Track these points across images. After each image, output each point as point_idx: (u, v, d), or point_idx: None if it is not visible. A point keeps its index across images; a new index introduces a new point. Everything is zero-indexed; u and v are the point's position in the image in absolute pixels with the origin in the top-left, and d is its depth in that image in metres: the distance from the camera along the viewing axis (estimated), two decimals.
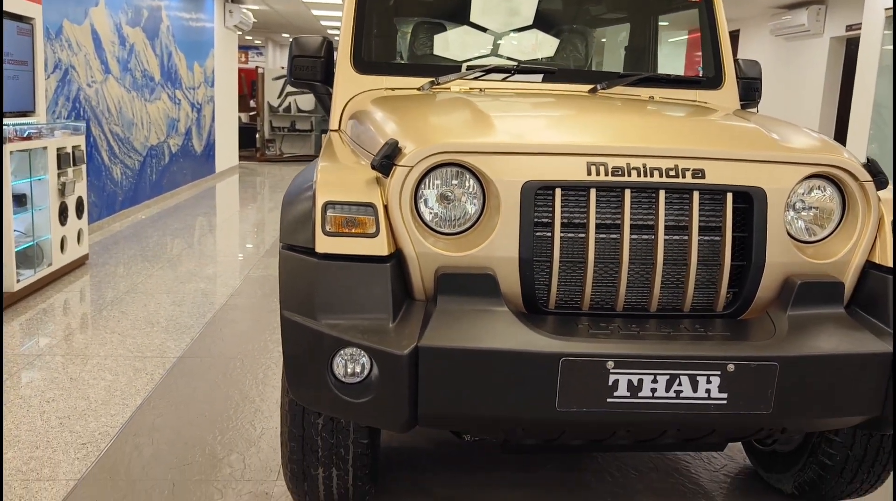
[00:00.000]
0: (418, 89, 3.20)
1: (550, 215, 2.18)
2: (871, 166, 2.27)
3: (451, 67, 3.42)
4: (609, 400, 2.01)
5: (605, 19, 4.29)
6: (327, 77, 3.48)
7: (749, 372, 2.03)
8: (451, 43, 4.06)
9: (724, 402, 2.04)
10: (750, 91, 3.72)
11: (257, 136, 17.39)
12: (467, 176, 2.19)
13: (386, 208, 2.15)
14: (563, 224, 2.19)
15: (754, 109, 3.73)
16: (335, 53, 3.46)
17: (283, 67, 17.93)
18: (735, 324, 2.22)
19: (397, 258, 2.16)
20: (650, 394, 2.02)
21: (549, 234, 2.18)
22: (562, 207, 2.18)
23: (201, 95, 11.96)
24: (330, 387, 2.06)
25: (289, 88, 16.81)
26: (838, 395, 2.08)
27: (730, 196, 2.20)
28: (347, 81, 3.31)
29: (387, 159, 2.14)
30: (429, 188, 2.19)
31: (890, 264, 2.24)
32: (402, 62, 3.69)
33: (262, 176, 13.96)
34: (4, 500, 2.65)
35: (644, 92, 3.30)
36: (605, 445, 2.35)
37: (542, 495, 2.82)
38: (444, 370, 1.99)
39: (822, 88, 10.00)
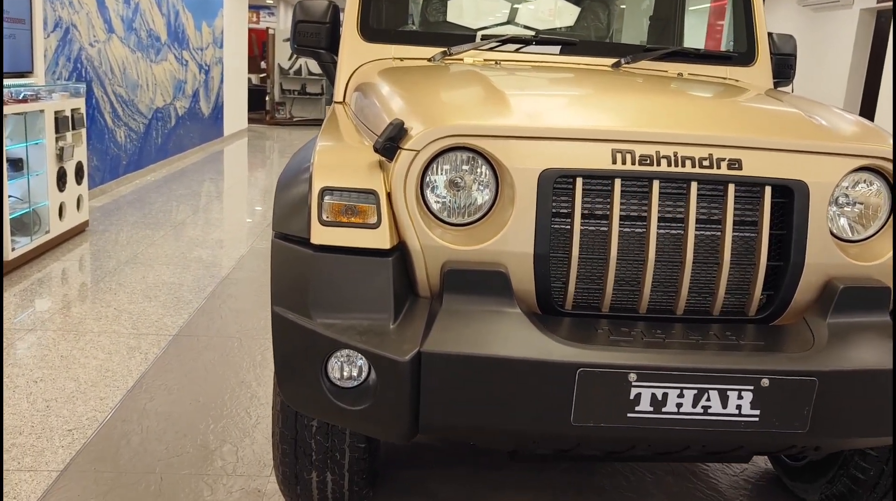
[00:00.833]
0: (429, 60, 2.98)
1: (570, 206, 1.98)
2: None
3: (464, 36, 3.19)
4: (630, 415, 1.83)
5: None
6: (333, 44, 3.27)
7: (785, 388, 1.84)
8: (466, 9, 3.83)
9: (756, 420, 1.86)
10: (784, 69, 3.48)
11: (267, 98, 17.12)
12: (479, 162, 1.98)
13: (389, 195, 1.95)
14: (584, 217, 1.99)
15: (787, 89, 3.49)
16: (342, 19, 3.24)
17: None
18: (769, 331, 2.03)
19: (400, 252, 1.97)
20: (675, 410, 1.84)
21: (568, 227, 1.98)
22: (583, 198, 1.98)
23: (209, 56, 11.71)
24: (324, 391, 1.88)
25: None
26: (882, 413, 1.89)
27: (768, 190, 1.99)
28: (353, 50, 3.09)
29: (391, 142, 1.94)
30: (437, 174, 1.99)
31: None
32: (413, 30, 3.46)
33: (271, 140, 13.74)
34: None
35: (671, 67, 3.08)
36: (621, 457, 2.18)
37: (552, 498, 2.65)
38: (448, 378, 1.80)
39: (848, 62, 9.66)
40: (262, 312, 4.40)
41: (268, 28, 18.48)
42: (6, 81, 5.17)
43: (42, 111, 5.23)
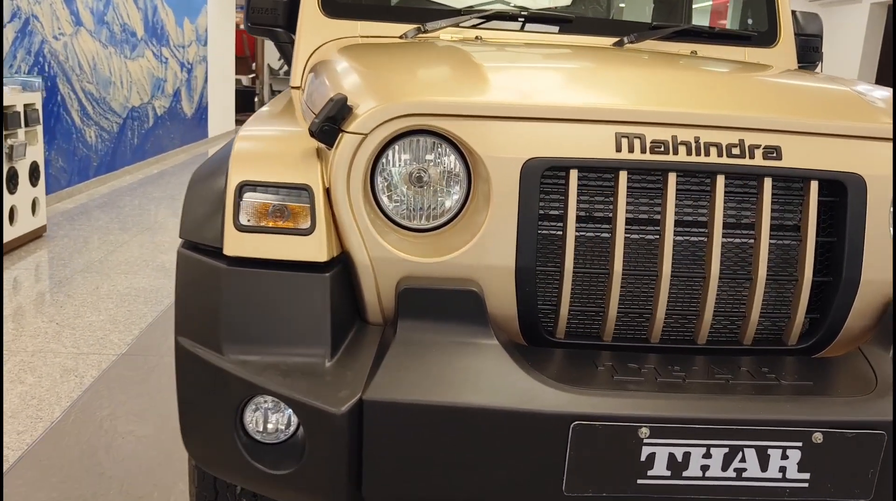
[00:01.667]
0: (400, 38, 2.54)
1: (562, 206, 1.54)
2: None
3: (442, 11, 2.75)
4: (641, 482, 1.39)
5: None
6: (291, 23, 2.82)
7: (844, 444, 1.40)
8: None
9: (806, 486, 1.42)
10: (808, 51, 3.04)
11: (256, 100, 16.68)
12: (446, 149, 1.54)
13: (328, 192, 1.51)
14: (580, 219, 1.55)
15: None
16: None
17: None
18: (815, 366, 1.59)
19: (343, 266, 1.53)
20: (700, 474, 1.40)
21: (560, 233, 1.54)
22: (579, 196, 1.54)
23: (192, 54, 11.25)
24: (238, 448, 1.44)
25: None
26: None
27: (814, 185, 1.56)
28: (313, 27, 2.65)
29: (330, 123, 1.50)
30: (391, 166, 1.55)
31: None
32: (382, 4, 3.02)
33: None
34: None
35: (681, 48, 2.64)
36: None
37: None
38: (399, 434, 1.36)
39: (859, 58, 9.25)
40: None
41: None
42: None
43: None
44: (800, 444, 1.39)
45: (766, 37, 2.83)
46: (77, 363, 3.41)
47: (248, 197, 1.50)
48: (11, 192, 5.09)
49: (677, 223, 1.56)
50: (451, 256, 1.52)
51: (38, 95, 5.43)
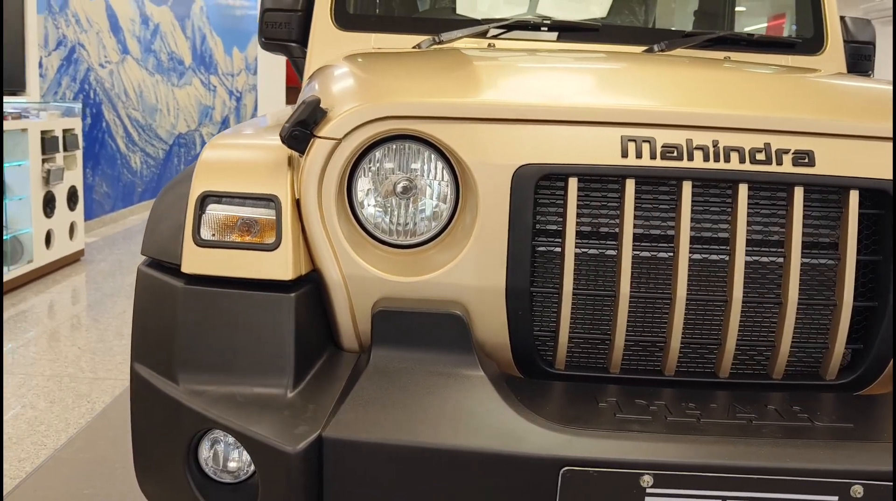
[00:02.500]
0: (414, 48, 2.40)
1: (561, 220, 1.37)
2: None
3: (458, 21, 2.60)
4: None
5: None
6: (305, 36, 2.71)
7: (888, 499, 1.18)
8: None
9: None
10: (859, 60, 2.81)
11: None
12: (431, 156, 1.39)
13: (299, 203, 1.37)
14: (581, 234, 1.37)
15: None
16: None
17: None
18: (857, 406, 1.37)
19: (313, 285, 1.38)
20: None
21: (558, 249, 1.37)
22: (580, 208, 1.36)
23: (241, 82, 11.38)
24: (189, 487, 1.29)
25: None
26: None
27: (854, 195, 1.35)
28: (326, 40, 2.53)
29: (301, 127, 1.35)
30: (370, 174, 1.39)
31: None
32: (396, 16, 2.89)
33: None
34: None
35: (716, 56, 2.44)
36: None
37: None
38: (364, 477, 1.19)
39: None
40: None
41: None
42: None
43: (24, 130, 4.80)
44: (836, 498, 1.18)
45: (812, 43, 2.61)
46: (91, 388, 3.33)
47: (211, 209, 1.36)
48: (48, 216, 5.11)
49: (694, 240, 1.37)
50: (434, 274, 1.36)
51: (77, 120, 5.47)
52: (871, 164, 1.36)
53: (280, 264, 1.32)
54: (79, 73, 6.55)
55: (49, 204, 5.12)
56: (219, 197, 1.37)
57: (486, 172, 1.34)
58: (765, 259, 1.39)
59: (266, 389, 1.28)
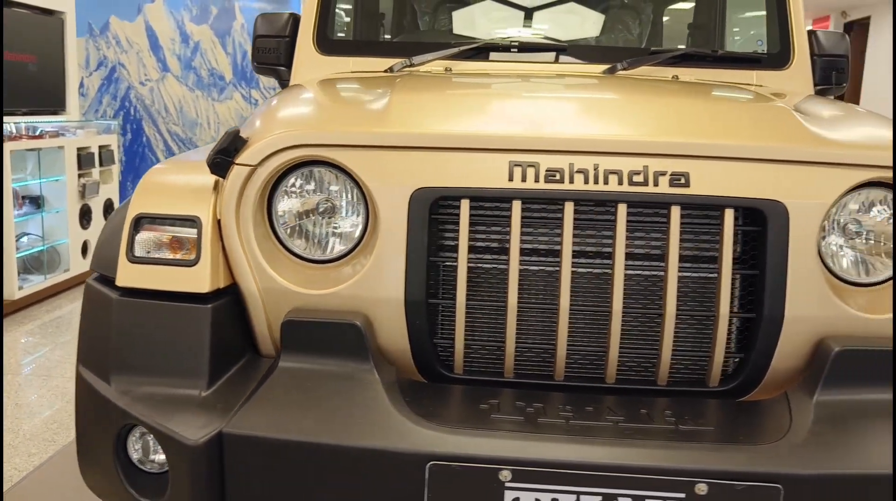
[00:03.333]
0: (385, 72, 2.55)
1: (454, 237, 1.50)
2: None
3: (436, 45, 2.74)
4: None
5: None
6: (291, 60, 2.89)
7: (733, 498, 1.27)
8: (470, 20, 3.39)
9: None
10: (829, 72, 2.85)
11: None
12: (342, 180, 1.53)
13: (220, 224, 1.53)
14: (476, 250, 1.50)
15: (833, 97, 2.87)
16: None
17: None
18: (731, 411, 1.46)
19: (233, 297, 1.53)
20: None
21: (453, 264, 1.50)
22: (471, 227, 1.49)
23: None
24: (117, 475, 1.45)
25: None
26: None
27: (729, 213, 1.45)
28: (308, 64, 2.70)
29: (222, 155, 1.51)
30: (288, 196, 1.55)
31: None
32: (374, 40, 3.04)
33: None
34: None
35: (683, 73, 2.52)
36: None
37: None
38: (259, 470, 1.34)
39: None
40: None
41: None
42: (35, 118, 5.12)
43: (61, 148, 5.11)
44: (682, 496, 1.28)
45: (778, 59, 2.67)
46: None
47: (145, 230, 1.53)
48: (84, 227, 5.41)
49: (578, 254, 1.49)
50: (339, 288, 1.50)
51: (113, 137, 5.78)
52: (745, 184, 1.45)
53: (199, 278, 1.48)
54: (119, 91, 6.89)
55: (85, 216, 5.42)
56: (151, 218, 1.54)
57: (385, 195, 1.48)
58: (646, 273, 1.49)
59: (183, 389, 1.44)
